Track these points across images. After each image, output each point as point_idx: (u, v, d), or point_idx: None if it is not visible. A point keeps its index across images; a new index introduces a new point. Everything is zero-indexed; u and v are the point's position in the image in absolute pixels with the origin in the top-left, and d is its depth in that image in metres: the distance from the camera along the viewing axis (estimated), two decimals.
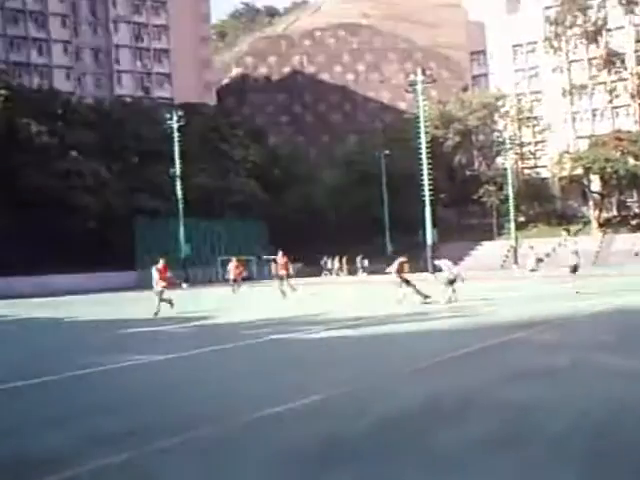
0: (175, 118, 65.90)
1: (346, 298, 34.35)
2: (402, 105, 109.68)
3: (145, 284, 63.53)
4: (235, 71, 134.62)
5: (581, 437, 6.97)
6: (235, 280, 42.42)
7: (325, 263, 69.62)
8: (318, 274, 67.25)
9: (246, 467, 6.44)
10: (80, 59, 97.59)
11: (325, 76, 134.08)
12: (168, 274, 27.11)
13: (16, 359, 15.52)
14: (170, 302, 25.91)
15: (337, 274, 68.02)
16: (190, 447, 7.06)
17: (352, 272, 68.89)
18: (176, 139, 65.37)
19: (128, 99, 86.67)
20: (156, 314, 24.76)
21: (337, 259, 69.28)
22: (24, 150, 63.80)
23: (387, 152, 75.37)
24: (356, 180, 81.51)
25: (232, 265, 43.91)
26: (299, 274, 74.36)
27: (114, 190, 67.42)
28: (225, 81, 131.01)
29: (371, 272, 63.52)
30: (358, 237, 72.54)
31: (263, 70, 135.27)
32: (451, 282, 24.58)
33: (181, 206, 64.29)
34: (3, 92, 65.16)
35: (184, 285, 57.07)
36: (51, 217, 66.10)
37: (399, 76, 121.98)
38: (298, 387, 10.04)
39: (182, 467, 6.52)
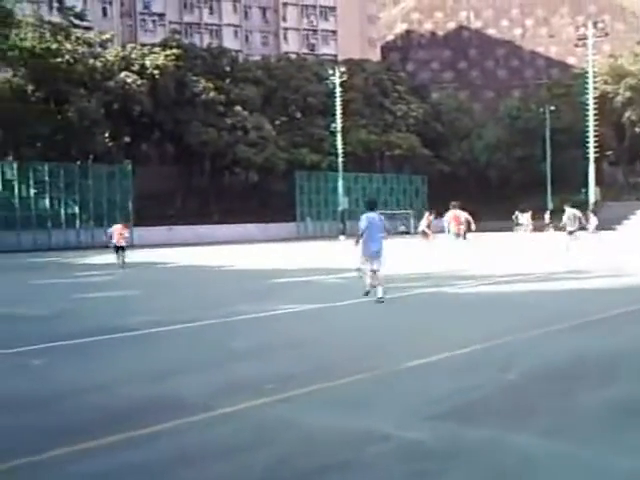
0: (338, 74, 66.83)
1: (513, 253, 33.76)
2: (571, 60, 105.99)
3: (303, 235, 65.90)
4: (400, 27, 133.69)
5: None
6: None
7: (517, 217, 66.62)
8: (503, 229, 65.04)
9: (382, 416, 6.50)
10: (248, 17, 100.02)
11: (492, 31, 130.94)
12: None
13: (173, 304, 16.18)
14: None
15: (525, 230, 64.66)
16: (323, 395, 7.24)
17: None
18: (338, 95, 66.28)
19: (293, 56, 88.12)
20: None
21: (528, 214, 65.72)
22: (192, 105, 66.64)
23: (552, 108, 73.43)
24: (519, 136, 79.94)
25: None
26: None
27: (276, 144, 69.24)
28: (389, 37, 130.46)
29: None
30: (519, 193, 71.30)
31: (428, 26, 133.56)
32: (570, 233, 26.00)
33: (341, 160, 65.30)
34: (175, 51, 67.96)
35: (341, 237, 58.23)
36: (216, 170, 69.02)
37: (569, 30, 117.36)
38: (435, 342, 10.14)
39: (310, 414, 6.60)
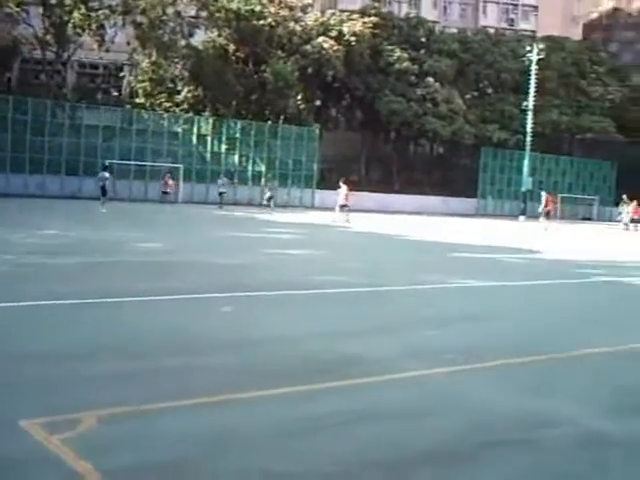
0: (535, 51, 65.28)
1: None
2: None
3: (483, 212, 65.33)
4: (607, 4, 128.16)
5: None
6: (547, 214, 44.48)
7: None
8: None
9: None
10: None
11: None
12: None
13: (357, 267, 17.20)
14: None
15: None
16: (500, 372, 7.37)
17: None
18: (533, 73, 64.77)
19: (491, 30, 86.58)
20: None
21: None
22: (385, 74, 67.24)
23: None
24: None
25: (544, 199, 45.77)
26: None
27: (465, 118, 68.72)
28: (594, 15, 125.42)
29: None
30: None
31: (638, 4, 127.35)
32: None
33: (529, 139, 64.06)
34: (373, 19, 68.55)
35: (521, 218, 57.51)
36: (402, 139, 69.46)
37: None
38: (617, 331, 10.16)
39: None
